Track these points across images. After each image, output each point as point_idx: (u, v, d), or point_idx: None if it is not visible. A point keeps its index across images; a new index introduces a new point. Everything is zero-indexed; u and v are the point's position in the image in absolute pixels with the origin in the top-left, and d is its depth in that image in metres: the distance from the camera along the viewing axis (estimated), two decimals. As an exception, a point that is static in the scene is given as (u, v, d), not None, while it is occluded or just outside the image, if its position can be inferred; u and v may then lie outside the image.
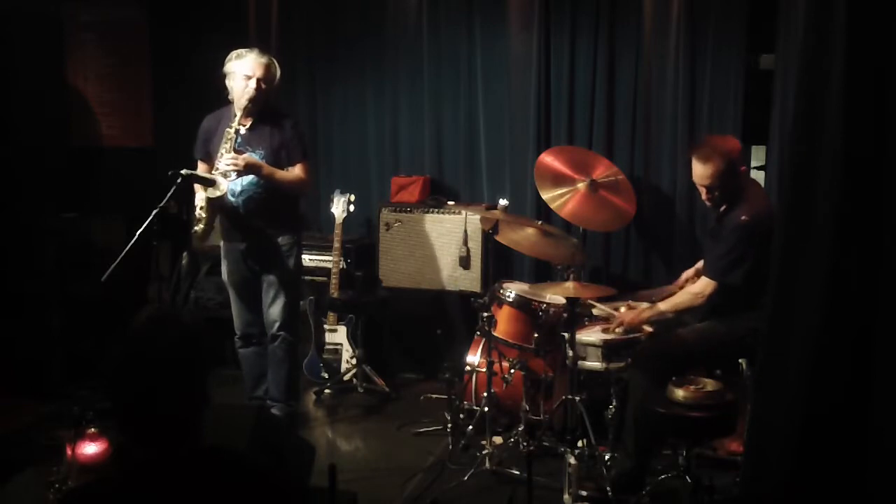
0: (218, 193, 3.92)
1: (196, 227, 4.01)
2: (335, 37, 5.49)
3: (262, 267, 4.19)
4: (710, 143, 3.70)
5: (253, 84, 3.98)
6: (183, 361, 1.72)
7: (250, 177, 4.01)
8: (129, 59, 5.74)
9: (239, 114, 3.98)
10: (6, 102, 5.06)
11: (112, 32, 5.72)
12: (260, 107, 4.05)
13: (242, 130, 4.03)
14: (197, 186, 4.04)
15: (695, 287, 3.69)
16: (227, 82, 4.06)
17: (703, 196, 3.68)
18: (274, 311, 4.21)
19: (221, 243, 4.24)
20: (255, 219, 4.10)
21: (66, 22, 5.66)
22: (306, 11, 5.53)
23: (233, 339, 4.37)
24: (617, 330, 3.82)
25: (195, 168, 4.11)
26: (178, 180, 3.83)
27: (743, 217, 3.53)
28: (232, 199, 4.04)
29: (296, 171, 4.11)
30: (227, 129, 3.97)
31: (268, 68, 4.04)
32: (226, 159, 3.92)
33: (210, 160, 4.08)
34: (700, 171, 3.61)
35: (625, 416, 3.68)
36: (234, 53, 4.05)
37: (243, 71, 4.00)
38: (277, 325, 4.21)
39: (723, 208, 3.65)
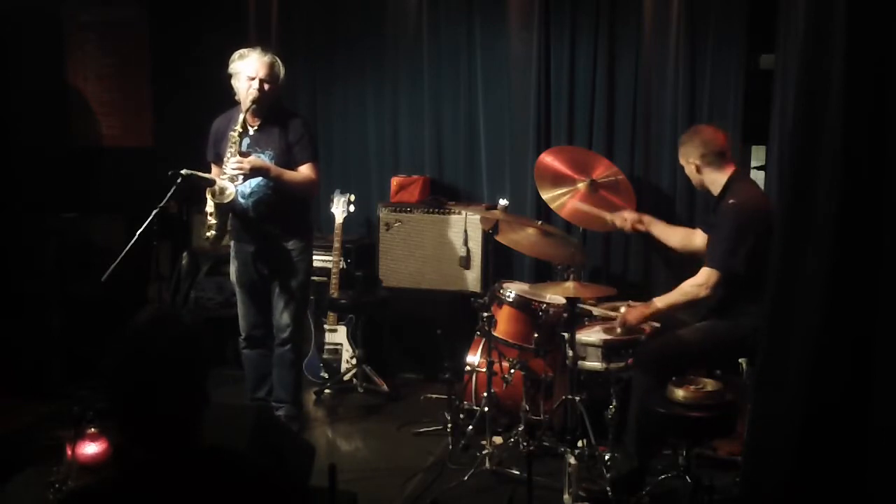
0: (227, 199, 3.91)
1: (208, 234, 3.98)
2: (335, 37, 5.49)
3: (272, 271, 4.18)
4: (694, 126, 4.03)
5: (256, 84, 3.96)
6: (183, 361, 1.72)
7: (259, 178, 4.00)
8: (129, 59, 5.74)
9: (242, 115, 3.96)
10: (6, 102, 5.07)
11: (112, 32, 5.72)
12: (266, 107, 4.02)
13: (251, 131, 4.02)
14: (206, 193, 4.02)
15: (697, 279, 3.63)
16: (232, 83, 4.04)
17: (693, 179, 3.85)
18: (285, 316, 4.21)
19: (231, 243, 4.23)
20: (265, 221, 4.09)
21: (66, 22, 5.66)
22: (306, 11, 5.53)
23: (233, 339, 4.37)
24: (618, 330, 3.81)
25: (208, 171, 4.10)
26: (178, 180, 3.83)
27: (731, 201, 3.61)
28: (242, 200, 4.03)
29: (304, 172, 4.08)
30: (231, 133, 3.95)
31: (271, 67, 4.01)
32: (231, 163, 3.89)
33: (222, 162, 4.06)
34: (681, 151, 3.83)
35: (625, 416, 3.68)
36: (237, 54, 4.03)
37: (246, 72, 3.98)
38: (290, 329, 4.22)
39: (716, 198, 3.73)
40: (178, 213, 5.36)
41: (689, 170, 3.82)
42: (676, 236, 4.13)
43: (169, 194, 3.82)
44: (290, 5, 5.55)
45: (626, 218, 4.17)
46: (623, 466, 3.56)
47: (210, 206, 3.96)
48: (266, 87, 3.99)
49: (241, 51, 4.04)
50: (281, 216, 4.10)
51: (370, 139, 5.52)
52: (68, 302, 4.97)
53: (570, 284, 3.64)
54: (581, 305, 3.99)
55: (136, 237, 3.74)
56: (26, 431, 4.30)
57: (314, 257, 5.13)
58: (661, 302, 3.73)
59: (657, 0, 4.77)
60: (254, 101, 3.95)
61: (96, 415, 2.93)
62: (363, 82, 5.48)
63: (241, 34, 5.45)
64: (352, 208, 5.04)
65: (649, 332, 3.83)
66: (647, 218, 4.16)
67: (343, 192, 5.06)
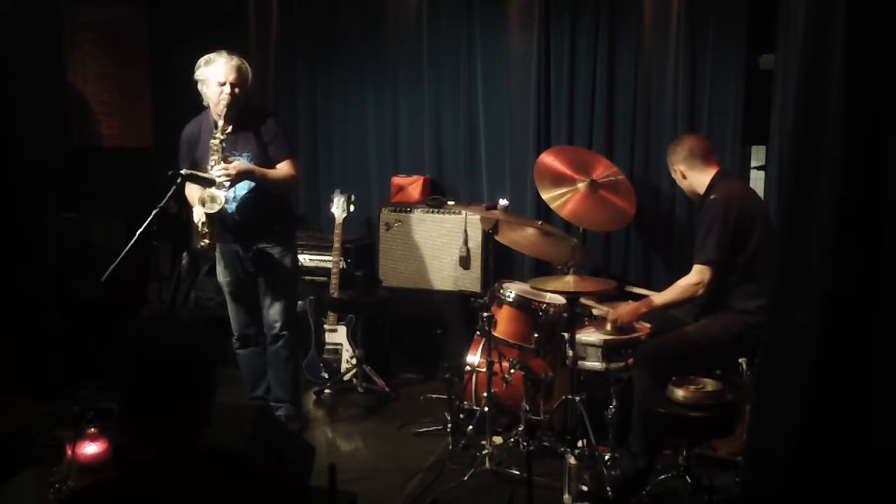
0: (217, 208, 3.91)
1: (202, 243, 3.98)
2: (335, 37, 5.49)
3: (257, 269, 4.19)
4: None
5: (227, 90, 3.94)
6: (183, 362, 1.72)
7: (243, 182, 4.01)
8: (129, 59, 5.74)
9: (221, 122, 3.94)
10: (6, 102, 5.06)
11: (112, 32, 5.71)
12: (238, 110, 4.01)
13: (224, 135, 4.01)
14: (194, 200, 4.01)
15: (692, 277, 3.65)
16: (199, 88, 4.02)
17: (683, 187, 3.92)
18: (273, 313, 4.21)
19: (217, 245, 4.24)
20: (249, 222, 4.10)
21: (66, 22, 5.65)
22: (306, 11, 5.53)
23: (232, 339, 4.37)
24: (608, 327, 3.80)
25: None
26: (178, 180, 3.83)
27: (713, 197, 3.69)
28: (226, 205, 4.04)
29: (284, 169, 4.09)
30: (212, 141, 3.93)
31: (239, 70, 3.99)
32: (217, 170, 3.90)
33: (197, 169, 4.03)
34: (669, 163, 3.92)
35: (626, 416, 3.67)
36: (202, 60, 4.00)
37: (216, 78, 3.96)
38: (279, 325, 4.22)
39: (701, 197, 3.78)
40: (178, 213, 5.35)
41: (678, 178, 3.88)
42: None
43: (169, 194, 3.82)
44: (290, 5, 5.55)
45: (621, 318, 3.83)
46: (629, 467, 3.56)
47: (200, 216, 3.95)
48: (237, 90, 3.97)
49: (207, 56, 4.01)
50: (264, 216, 4.11)
51: (370, 139, 5.52)
52: (68, 302, 4.96)
53: (570, 278, 3.63)
54: (584, 301, 3.99)
55: (136, 237, 3.74)
56: (26, 431, 4.30)
57: (315, 257, 5.16)
58: (658, 299, 3.73)
59: (657, 0, 4.77)
60: (227, 107, 3.93)
61: (96, 415, 2.93)
62: (363, 82, 5.48)
63: (241, 34, 5.46)
64: (352, 208, 5.04)
65: (646, 332, 3.83)
66: (641, 307, 3.81)
67: (343, 192, 5.06)
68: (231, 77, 3.96)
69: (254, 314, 4.28)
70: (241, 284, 4.23)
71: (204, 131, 4.06)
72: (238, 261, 4.19)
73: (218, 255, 4.24)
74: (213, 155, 3.92)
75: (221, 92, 3.95)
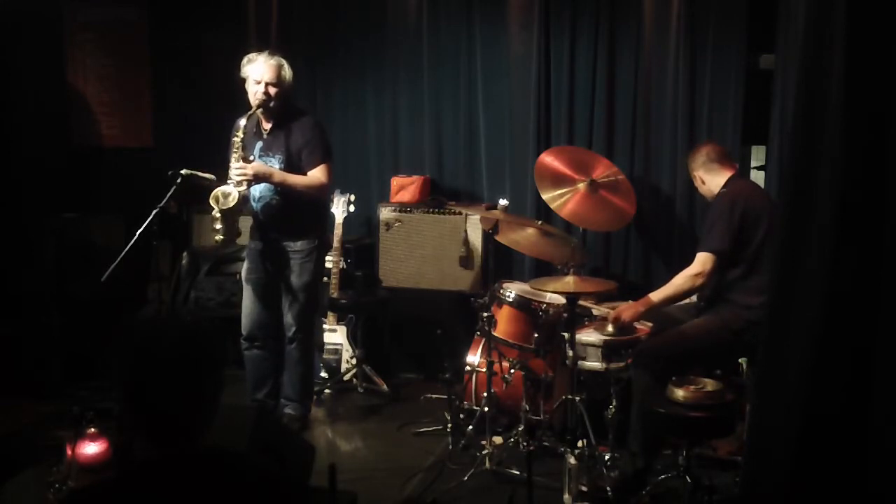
0: (230, 205, 3.92)
1: (216, 238, 4.00)
2: (335, 37, 5.49)
3: (277, 270, 4.21)
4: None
5: (262, 88, 4.00)
6: (185, 361, 1.72)
7: (266, 183, 4.03)
8: (129, 59, 5.75)
9: (244, 121, 3.99)
10: (6, 102, 5.06)
11: (112, 32, 5.72)
12: (274, 110, 4.06)
13: (264, 135, 4.07)
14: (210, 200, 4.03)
15: (692, 268, 3.64)
16: (245, 86, 4.08)
17: (702, 192, 3.97)
18: (289, 316, 4.24)
19: (247, 241, 4.28)
20: (272, 223, 4.13)
21: (66, 22, 5.66)
22: (306, 11, 5.53)
23: (234, 339, 4.37)
24: (609, 328, 3.80)
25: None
26: (178, 180, 3.84)
27: (723, 190, 3.76)
28: (252, 203, 4.09)
29: (315, 174, 4.10)
30: (233, 139, 3.98)
31: (277, 71, 4.04)
32: (234, 169, 3.92)
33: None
34: (690, 171, 4.00)
35: (626, 416, 3.67)
36: (246, 58, 4.07)
37: (253, 76, 4.02)
38: (294, 328, 4.25)
39: (710, 197, 3.86)
40: (178, 213, 5.36)
41: (698, 184, 3.94)
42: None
43: (169, 194, 3.83)
44: (290, 5, 5.55)
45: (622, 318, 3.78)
46: (628, 467, 3.56)
47: (215, 212, 3.97)
48: (272, 91, 4.02)
49: (250, 55, 4.09)
50: (288, 219, 4.13)
51: (370, 139, 5.52)
52: (68, 302, 4.97)
53: (570, 279, 3.63)
54: (581, 303, 3.99)
55: (136, 237, 3.74)
56: (26, 431, 4.30)
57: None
58: (655, 296, 3.73)
59: (657, 0, 4.77)
60: (259, 105, 3.99)
61: (96, 415, 2.93)
62: (363, 82, 5.48)
63: (241, 34, 5.46)
64: (352, 208, 5.04)
65: (646, 332, 3.83)
66: (641, 305, 3.77)
67: (343, 192, 5.06)
68: (267, 76, 4.00)
69: (268, 314, 4.28)
70: (260, 284, 4.24)
71: (248, 127, 4.08)
72: (261, 260, 4.21)
73: (246, 251, 4.29)
74: (233, 152, 3.96)
75: (257, 91, 4.00)
